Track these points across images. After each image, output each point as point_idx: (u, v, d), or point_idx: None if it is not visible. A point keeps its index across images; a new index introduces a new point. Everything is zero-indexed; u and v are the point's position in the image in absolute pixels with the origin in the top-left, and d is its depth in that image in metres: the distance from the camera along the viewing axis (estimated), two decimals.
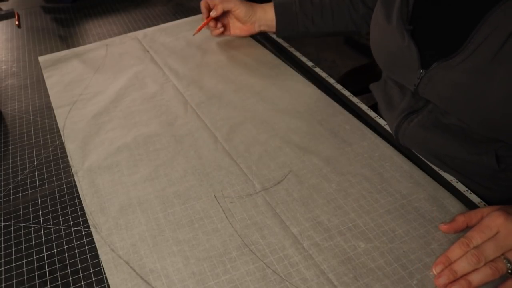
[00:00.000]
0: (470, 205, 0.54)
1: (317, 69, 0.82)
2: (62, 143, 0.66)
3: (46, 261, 0.50)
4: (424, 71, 0.58)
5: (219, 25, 0.88)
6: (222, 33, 0.89)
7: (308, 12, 0.83)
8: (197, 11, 1.06)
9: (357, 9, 0.83)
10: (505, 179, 0.59)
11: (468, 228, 0.49)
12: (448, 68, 0.54)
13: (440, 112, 0.60)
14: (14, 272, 0.49)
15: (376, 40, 0.68)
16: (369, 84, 0.80)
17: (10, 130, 0.70)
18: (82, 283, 0.47)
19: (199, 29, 0.89)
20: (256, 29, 0.87)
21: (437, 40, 0.58)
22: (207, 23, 0.87)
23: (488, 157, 0.57)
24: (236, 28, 0.89)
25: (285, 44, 0.90)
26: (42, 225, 0.54)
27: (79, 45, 0.93)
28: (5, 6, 1.13)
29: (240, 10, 0.84)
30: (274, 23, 0.85)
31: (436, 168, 0.60)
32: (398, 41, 0.61)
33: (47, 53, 0.91)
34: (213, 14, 0.85)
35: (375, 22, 0.68)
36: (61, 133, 0.68)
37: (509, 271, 0.44)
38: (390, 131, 0.67)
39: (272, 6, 0.85)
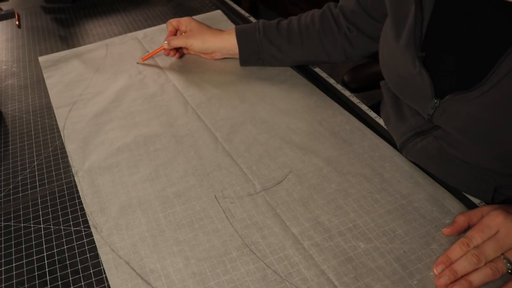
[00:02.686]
0: (470, 205, 0.54)
1: (317, 69, 0.82)
2: (62, 143, 0.66)
3: (46, 261, 0.50)
4: (438, 101, 0.54)
5: (177, 54, 0.85)
6: (181, 56, 0.86)
7: (273, 39, 0.77)
8: (197, 11, 1.06)
9: (333, 36, 0.75)
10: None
11: (469, 227, 0.49)
12: (464, 100, 0.51)
13: (446, 142, 0.57)
14: (14, 272, 0.49)
15: (386, 60, 0.63)
16: (371, 80, 0.78)
17: (10, 130, 0.70)
18: (82, 283, 0.47)
19: (147, 58, 0.84)
20: (218, 57, 0.84)
21: (453, 71, 0.54)
22: (156, 53, 0.84)
23: (485, 194, 0.56)
24: (198, 53, 0.86)
25: None
26: (42, 225, 0.54)
27: (79, 45, 0.93)
28: (5, 6, 1.12)
29: (193, 46, 0.81)
30: (235, 52, 0.80)
31: None
32: (409, 67, 0.56)
33: (47, 53, 0.91)
34: (165, 45, 0.82)
35: (384, 40, 0.63)
36: (61, 133, 0.68)
37: (509, 271, 0.44)
38: (389, 132, 0.67)
39: (233, 33, 0.79)
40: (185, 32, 0.83)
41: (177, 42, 0.81)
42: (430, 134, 0.59)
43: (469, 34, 0.51)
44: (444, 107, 0.53)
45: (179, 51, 0.85)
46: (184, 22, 0.83)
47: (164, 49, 0.83)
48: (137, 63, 0.82)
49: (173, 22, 0.84)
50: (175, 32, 0.84)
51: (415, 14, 0.54)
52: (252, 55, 0.79)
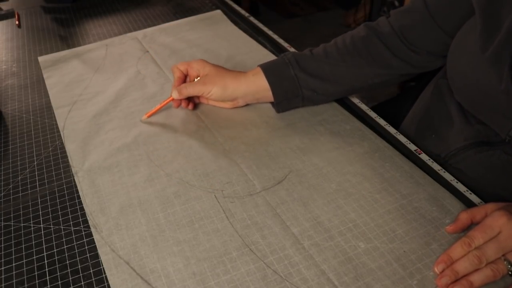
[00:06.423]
0: (470, 205, 0.54)
1: None
2: (62, 143, 0.66)
3: (46, 261, 0.50)
4: None
5: (190, 104, 0.70)
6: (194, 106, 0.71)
7: (311, 69, 0.66)
8: (197, 11, 1.06)
9: (382, 58, 0.66)
10: None
11: (472, 224, 0.49)
12: None
13: None
14: (14, 272, 0.49)
15: (461, 71, 0.58)
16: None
17: (10, 130, 0.70)
18: (82, 283, 0.47)
19: (151, 113, 0.69)
20: (241, 104, 0.70)
21: None
22: (163, 106, 0.69)
23: None
24: (215, 103, 0.71)
25: (286, 45, 0.90)
26: (42, 225, 0.54)
27: (79, 45, 0.93)
28: (5, 6, 1.12)
29: (212, 94, 0.66)
30: (264, 94, 0.67)
31: (436, 169, 0.60)
32: (493, 82, 0.52)
33: (47, 53, 0.91)
34: (174, 95, 0.66)
35: (461, 48, 0.58)
36: (61, 133, 0.68)
37: (509, 273, 0.44)
38: (394, 130, 0.67)
39: (259, 73, 0.66)
40: (197, 77, 0.69)
41: (191, 90, 0.66)
42: (499, 148, 0.56)
43: None
44: None
45: (192, 101, 0.70)
46: (195, 65, 0.68)
47: (173, 100, 0.68)
48: (141, 120, 0.68)
49: (181, 66, 0.69)
50: (184, 79, 0.70)
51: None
52: (288, 93, 0.66)
